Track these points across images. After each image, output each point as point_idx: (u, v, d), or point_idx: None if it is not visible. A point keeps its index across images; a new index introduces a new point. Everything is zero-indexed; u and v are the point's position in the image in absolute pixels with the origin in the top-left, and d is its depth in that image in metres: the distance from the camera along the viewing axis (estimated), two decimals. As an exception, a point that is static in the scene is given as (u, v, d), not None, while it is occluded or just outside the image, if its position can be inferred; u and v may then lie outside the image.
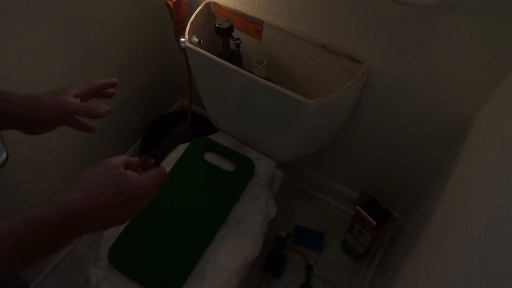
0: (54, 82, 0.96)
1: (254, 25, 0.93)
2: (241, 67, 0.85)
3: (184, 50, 0.99)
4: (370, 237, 1.10)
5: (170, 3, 0.92)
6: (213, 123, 1.13)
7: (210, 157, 1.04)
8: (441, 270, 0.53)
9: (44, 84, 0.94)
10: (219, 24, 0.89)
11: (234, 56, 0.96)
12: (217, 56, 0.87)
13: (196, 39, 0.91)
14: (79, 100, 0.55)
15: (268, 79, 0.82)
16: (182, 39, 0.91)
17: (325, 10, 0.83)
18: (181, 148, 1.06)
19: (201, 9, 0.94)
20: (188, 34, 0.90)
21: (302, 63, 0.93)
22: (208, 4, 0.95)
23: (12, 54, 0.84)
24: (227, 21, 0.89)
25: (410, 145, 0.98)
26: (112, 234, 0.90)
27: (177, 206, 0.94)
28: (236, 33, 0.94)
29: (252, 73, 0.83)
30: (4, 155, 0.70)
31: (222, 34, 0.90)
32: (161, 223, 0.91)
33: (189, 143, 1.06)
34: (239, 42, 0.92)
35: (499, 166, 0.51)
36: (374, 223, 1.04)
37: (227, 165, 1.03)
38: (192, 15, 0.92)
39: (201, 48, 0.89)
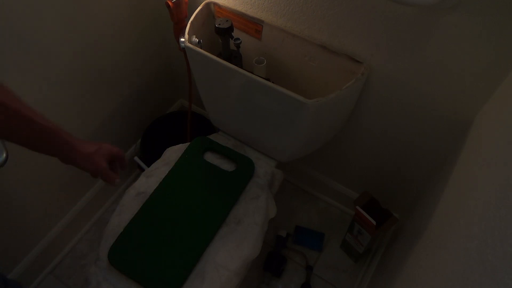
0: (54, 82, 0.96)
1: (254, 25, 0.93)
2: (241, 67, 0.85)
3: (184, 50, 0.99)
4: (370, 237, 1.10)
5: (170, 3, 0.92)
6: (213, 123, 1.13)
7: (210, 157, 1.04)
8: (441, 270, 0.53)
9: (43, 84, 0.94)
10: (219, 24, 0.89)
11: (234, 56, 0.96)
12: (217, 56, 0.87)
13: (196, 39, 0.91)
14: (107, 162, 0.76)
15: (268, 79, 0.82)
16: (182, 39, 0.91)
17: (325, 10, 0.83)
18: (181, 148, 1.06)
19: (201, 9, 0.94)
20: (188, 34, 0.90)
21: (302, 63, 0.93)
22: (208, 4, 0.95)
23: (11, 54, 0.84)
24: (227, 21, 0.89)
25: (410, 145, 0.98)
26: (112, 234, 0.90)
27: (177, 206, 0.94)
28: (236, 33, 0.94)
29: (252, 73, 0.83)
30: (4, 155, 0.70)
31: (222, 34, 0.90)
32: (161, 223, 0.91)
33: (189, 143, 1.06)
34: (239, 42, 0.92)
35: (499, 166, 0.51)
36: (374, 223, 1.04)
37: (227, 165, 1.03)
38: (192, 15, 0.92)
39: (201, 48, 0.89)
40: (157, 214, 0.92)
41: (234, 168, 1.01)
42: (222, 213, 0.92)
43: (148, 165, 1.06)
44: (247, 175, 1.00)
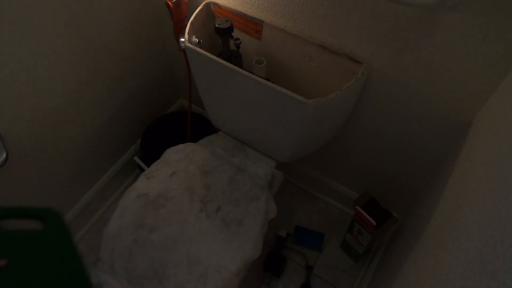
0: (54, 84, 0.97)
1: (254, 25, 0.93)
2: (241, 67, 0.85)
3: (184, 50, 0.99)
4: (370, 237, 1.10)
5: (170, 3, 0.92)
6: (213, 123, 1.13)
7: None
8: (441, 270, 0.53)
9: (43, 83, 0.94)
10: (219, 24, 0.89)
11: (234, 56, 0.96)
12: (217, 56, 0.87)
13: (196, 39, 0.91)
14: None
15: (268, 79, 0.82)
16: (182, 39, 0.91)
17: (325, 10, 0.83)
18: (181, 148, 1.04)
19: (201, 9, 0.94)
20: (188, 34, 0.90)
21: (302, 63, 0.93)
22: (208, 4, 0.95)
23: (13, 54, 0.84)
24: (227, 21, 0.89)
25: (410, 145, 0.98)
26: (113, 236, 0.89)
27: None
28: (236, 33, 0.94)
29: (252, 73, 0.83)
30: (4, 155, 0.70)
31: (222, 34, 0.90)
32: None
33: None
34: (239, 42, 0.92)
35: (498, 166, 0.51)
36: (374, 223, 1.04)
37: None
38: (192, 15, 0.92)
39: (201, 48, 0.89)
40: None
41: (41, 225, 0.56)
42: None
43: (148, 165, 1.06)
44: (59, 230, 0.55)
